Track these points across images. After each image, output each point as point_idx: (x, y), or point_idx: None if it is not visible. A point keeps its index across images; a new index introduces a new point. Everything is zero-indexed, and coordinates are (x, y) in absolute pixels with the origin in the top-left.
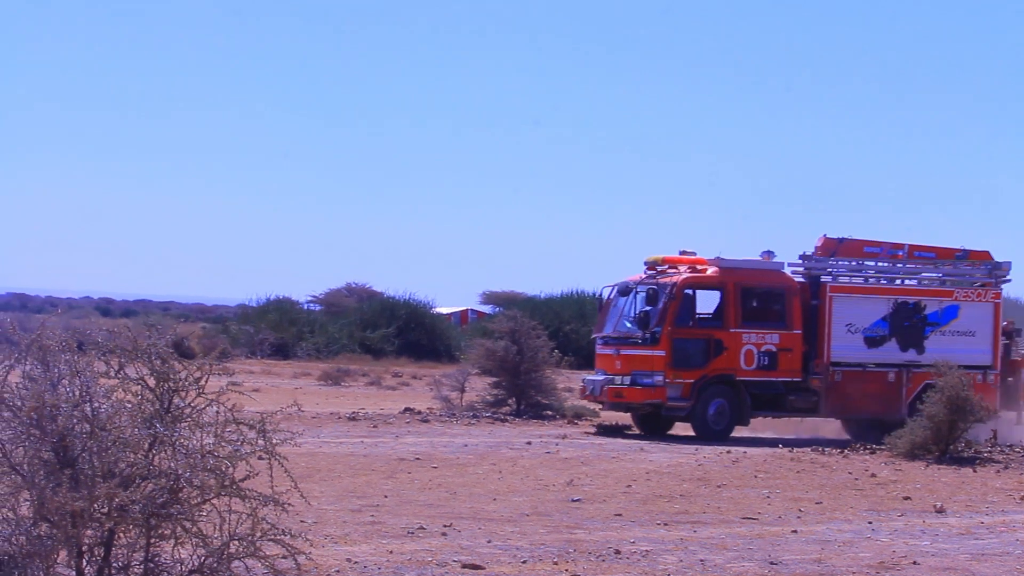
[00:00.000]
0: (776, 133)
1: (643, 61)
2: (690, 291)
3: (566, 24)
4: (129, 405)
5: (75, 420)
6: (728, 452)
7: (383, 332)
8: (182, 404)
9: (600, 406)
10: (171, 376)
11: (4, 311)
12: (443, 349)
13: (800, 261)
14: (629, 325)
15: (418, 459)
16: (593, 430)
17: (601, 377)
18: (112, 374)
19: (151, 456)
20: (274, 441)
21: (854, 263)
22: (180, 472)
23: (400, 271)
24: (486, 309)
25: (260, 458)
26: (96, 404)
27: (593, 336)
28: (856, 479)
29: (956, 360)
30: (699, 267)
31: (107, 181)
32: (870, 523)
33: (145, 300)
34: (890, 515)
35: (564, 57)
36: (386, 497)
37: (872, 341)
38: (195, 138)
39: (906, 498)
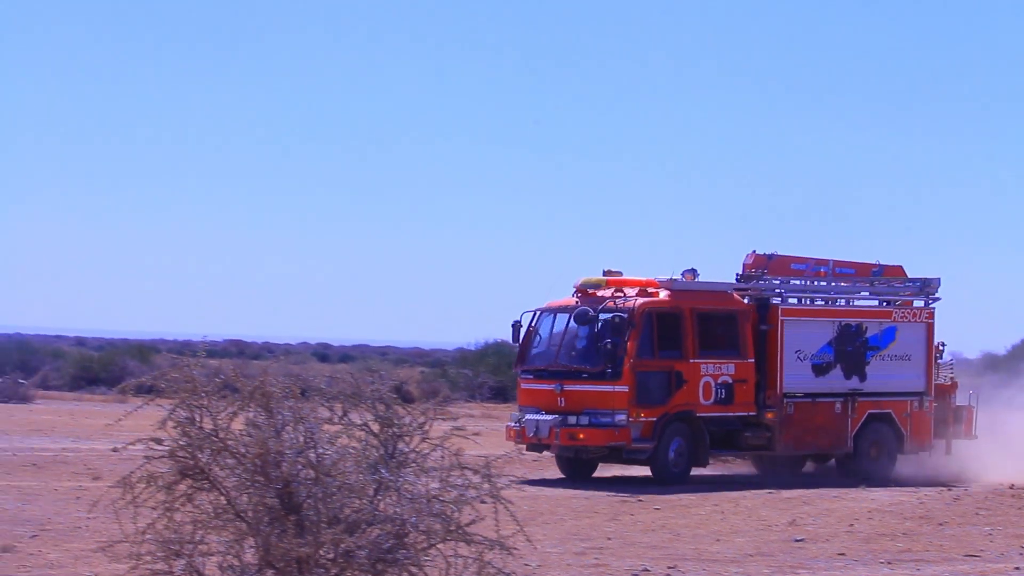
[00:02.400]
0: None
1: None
2: (649, 318)
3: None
4: (353, 451)
5: (299, 466)
6: (948, 490)
7: None
8: (406, 449)
9: (544, 449)
10: (395, 421)
11: (222, 358)
12: None
13: (748, 282)
14: (570, 355)
15: (641, 500)
16: (812, 468)
17: (549, 417)
18: (336, 420)
19: (376, 501)
20: (499, 485)
21: (806, 283)
22: (406, 517)
23: None
24: None
25: (483, 502)
26: (320, 450)
27: (516, 369)
28: None
29: (893, 387)
30: (650, 290)
31: (325, 226)
32: None
33: (362, 345)
34: None
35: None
36: (609, 539)
37: (819, 369)
38: (412, 178)
39: None
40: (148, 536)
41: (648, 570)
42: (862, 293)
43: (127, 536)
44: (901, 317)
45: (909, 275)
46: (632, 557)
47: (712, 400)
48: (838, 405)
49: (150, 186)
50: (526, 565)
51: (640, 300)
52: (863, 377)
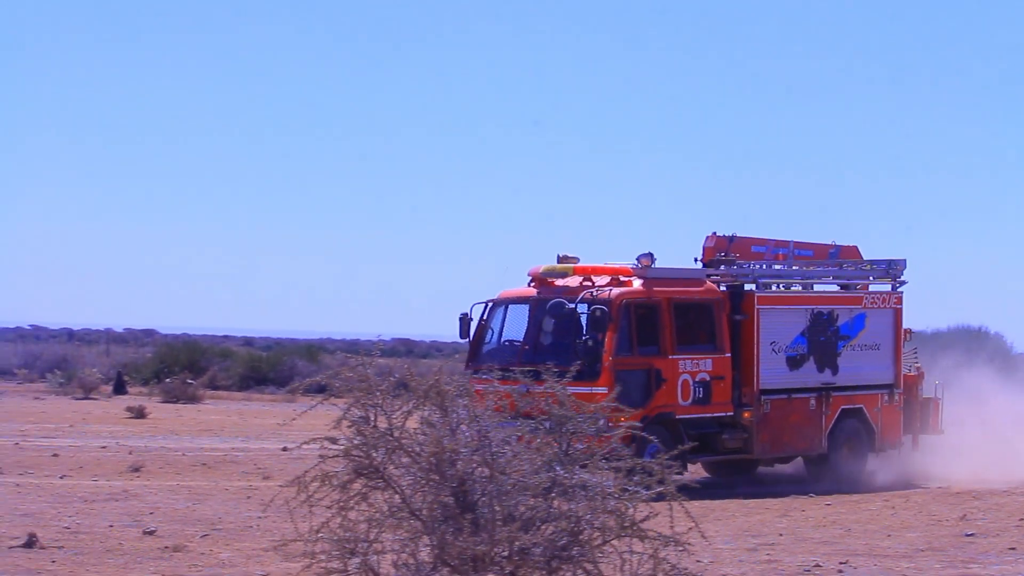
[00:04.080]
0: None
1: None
2: (627, 310)
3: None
4: (528, 448)
5: (474, 464)
6: None
7: None
8: (581, 446)
9: None
10: (570, 419)
11: (391, 357)
12: None
13: (716, 266)
14: (539, 352)
15: (811, 496)
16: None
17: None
18: (510, 418)
19: (551, 499)
20: (672, 481)
21: (765, 267)
22: (581, 514)
23: None
24: None
25: (656, 499)
26: (495, 448)
27: (467, 368)
28: None
29: (864, 379)
30: (622, 278)
31: (492, 225)
32: None
33: None
34: None
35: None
36: (781, 535)
37: (793, 361)
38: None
39: None
40: (322, 535)
41: (820, 565)
42: (832, 277)
43: (301, 535)
44: (871, 303)
45: (870, 257)
46: (804, 552)
47: (691, 400)
48: (812, 401)
49: (314, 187)
50: (698, 562)
51: (617, 290)
52: (835, 370)
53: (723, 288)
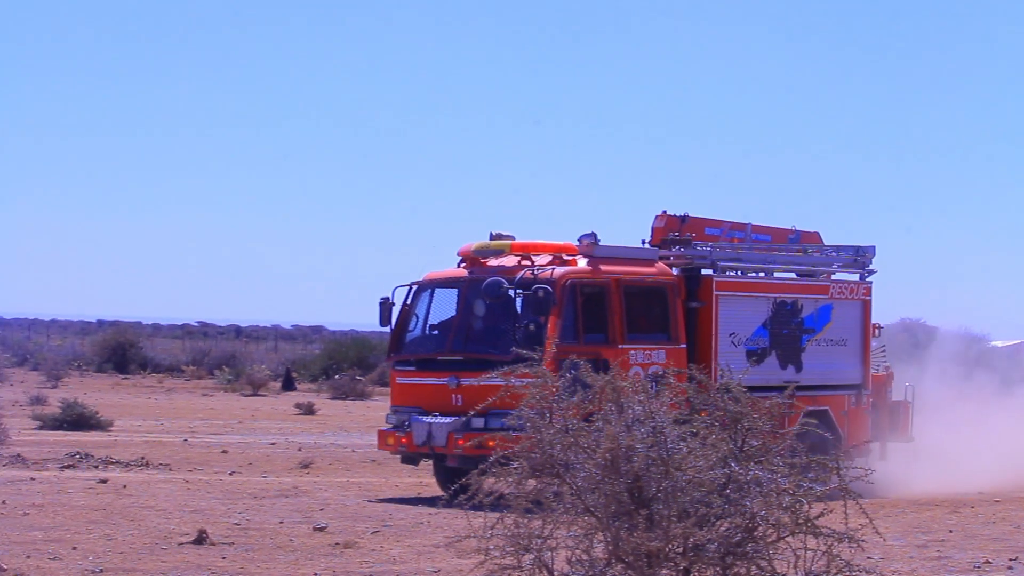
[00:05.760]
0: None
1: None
2: (573, 292)
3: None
4: (703, 445)
5: (649, 461)
6: None
7: None
8: (756, 443)
9: (427, 459)
10: (745, 416)
11: None
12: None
13: (670, 247)
14: (470, 339)
15: (980, 493)
16: None
17: (445, 420)
18: (684, 414)
19: (726, 495)
20: (847, 478)
21: (740, 251)
22: (756, 510)
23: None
24: None
25: (833, 496)
26: (670, 445)
27: (391, 357)
28: None
29: (830, 379)
30: (566, 257)
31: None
32: None
33: None
34: None
35: None
36: (951, 532)
37: (754, 355)
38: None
39: None
40: (496, 531)
41: (990, 562)
42: (797, 264)
43: (474, 531)
44: (838, 294)
45: (838, 244)
46: (974, 549)
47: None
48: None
49: (468, 185)
50: (868, 558)
51: (561, 270)
52: (799, 367)
53: (676, 272)
